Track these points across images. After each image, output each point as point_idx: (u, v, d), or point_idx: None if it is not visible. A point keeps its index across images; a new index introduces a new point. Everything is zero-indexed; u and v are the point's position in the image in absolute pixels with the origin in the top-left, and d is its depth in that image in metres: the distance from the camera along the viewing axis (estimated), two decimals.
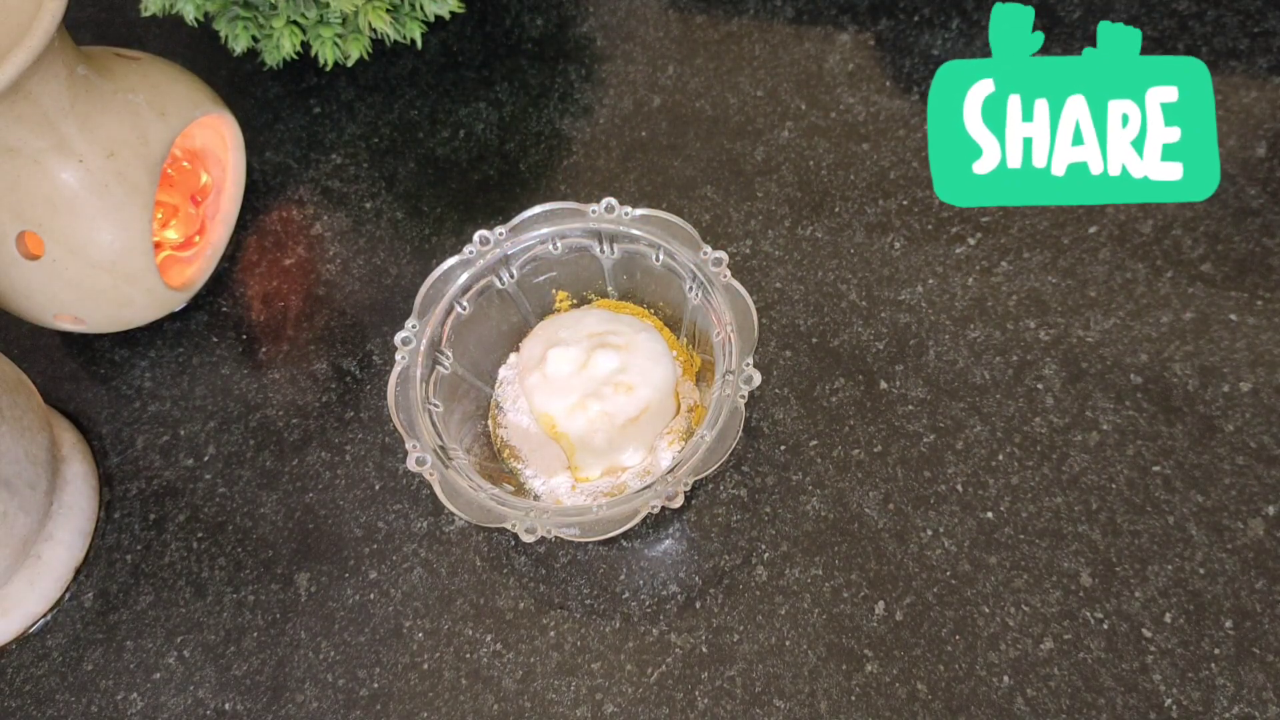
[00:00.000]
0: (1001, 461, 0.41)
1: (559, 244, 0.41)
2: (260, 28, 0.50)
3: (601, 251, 0.41)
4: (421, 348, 0.39)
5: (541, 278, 0.43)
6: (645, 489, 0.35)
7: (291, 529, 0.44)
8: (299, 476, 0.45)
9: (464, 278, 0.40)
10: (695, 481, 0.36)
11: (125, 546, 0.45)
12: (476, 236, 0.40)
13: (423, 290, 0.40)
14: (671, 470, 0.36)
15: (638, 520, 0.35)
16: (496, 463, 0.42)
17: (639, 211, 0.40)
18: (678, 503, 0.35)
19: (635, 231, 0.40)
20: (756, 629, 0.39)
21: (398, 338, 0.39)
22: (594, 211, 0.40)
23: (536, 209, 0.41)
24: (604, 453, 0.40)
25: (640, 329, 0.41)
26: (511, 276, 0.42)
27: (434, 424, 0.39)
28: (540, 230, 0.41)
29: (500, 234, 0.41)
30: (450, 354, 0.41)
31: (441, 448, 0.38)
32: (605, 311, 0.42)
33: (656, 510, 0.35)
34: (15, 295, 0.44)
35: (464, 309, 0.41)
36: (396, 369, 0.39)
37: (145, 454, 0.47)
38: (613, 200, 0.40)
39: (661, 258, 0.40)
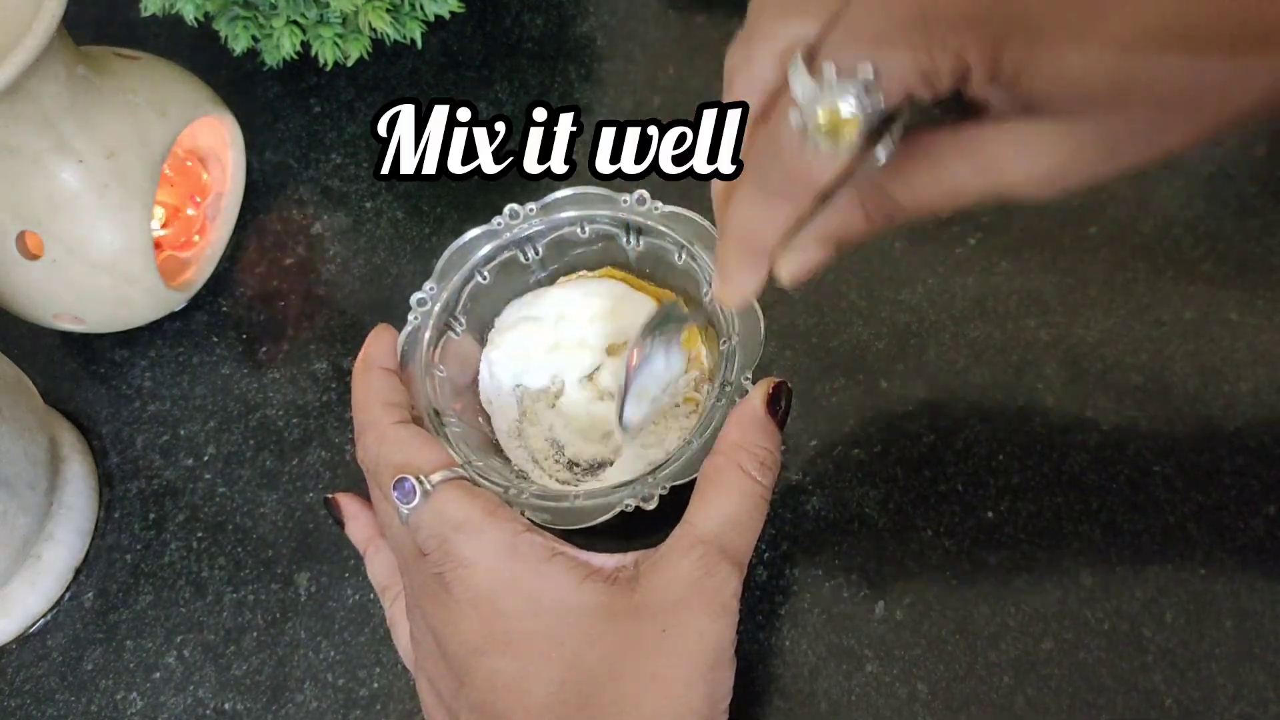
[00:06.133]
0: (1001, 461, 0.40)
1: (587, 228, 0.41)
2: (260, 28, 0.50)
3: (628, 242, 0.41)
4: (435, 310, 0.40)
5: (565, 258, 0.43)
6: (622, 486, 0.36)
7: (291, 529, 0.44)
8: (299, 476, 0.45)
9: (488, 248, 0.41)
10: (673, 486, 0.36)
11: (125, 546, 0.45)
12: (506, 210, 0.41)
13: (445, 254, 0.40)
14: (651, 472, 0.36)
15: (611, 515, 0.35)
16: (489, 426, 0.42)
17: (669, 208, 0.40)
18: (652, 505, 0.35)
19: (662, 228, 0.39)
20: (756, 629, 0.39)
21: (413, 298, 0.40)
22: (625, 201, 0.40)
23: (567, 190, 0.41)
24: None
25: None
26: (536, 253, 0.42)
27: (433, 389, 0.39)
28: (569, 213, 0.41)
29: (530, 209, 0.41)
30: (464, 321, 0.41)
31: (436, 412, 0.38)
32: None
33: (630, 509, 0.35)
34: (15, 295, 0.44)
35: (484, 278, 0.41)
36: (407, 328, 0.39)
37: (145, 454, 0.47)
38: (644, 193, 0.40)
39: (684, 258, 0.40)
